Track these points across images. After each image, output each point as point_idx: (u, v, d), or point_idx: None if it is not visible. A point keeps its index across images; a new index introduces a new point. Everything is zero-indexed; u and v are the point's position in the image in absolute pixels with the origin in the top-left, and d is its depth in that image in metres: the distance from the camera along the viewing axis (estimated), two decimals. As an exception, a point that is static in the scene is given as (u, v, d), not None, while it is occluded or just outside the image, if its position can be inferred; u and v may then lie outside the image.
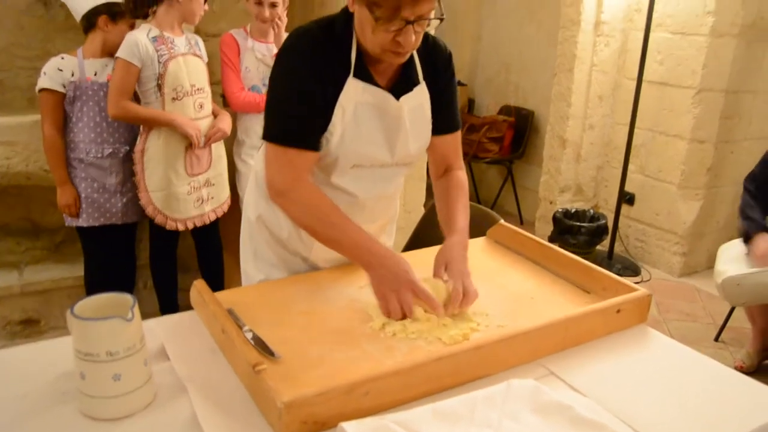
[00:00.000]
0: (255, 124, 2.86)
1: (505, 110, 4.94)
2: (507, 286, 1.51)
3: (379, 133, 1.40)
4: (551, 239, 3.89)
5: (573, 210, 4.00)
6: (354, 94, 1.35)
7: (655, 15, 3.62)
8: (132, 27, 2.47)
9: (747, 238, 2.76)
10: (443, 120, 1.51)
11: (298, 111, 1.33)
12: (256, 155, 1.69)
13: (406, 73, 1.41)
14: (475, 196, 5.23)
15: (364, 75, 1.35)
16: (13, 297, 2.84)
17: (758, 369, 2.92)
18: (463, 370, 1.14)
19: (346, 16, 1.34)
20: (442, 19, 1.25)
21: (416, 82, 1.42)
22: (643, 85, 3.74)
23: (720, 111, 3.71)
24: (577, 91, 4.07)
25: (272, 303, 1.39)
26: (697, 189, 3.85)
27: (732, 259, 2.81)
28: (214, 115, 2.70)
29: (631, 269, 3.97)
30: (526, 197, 4.89)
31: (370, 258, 1.33)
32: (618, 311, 1.34)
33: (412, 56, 1.40)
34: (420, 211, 3.17)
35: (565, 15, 4.03)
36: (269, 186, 1.39)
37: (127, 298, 1.06)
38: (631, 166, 3.96)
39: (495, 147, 4.74)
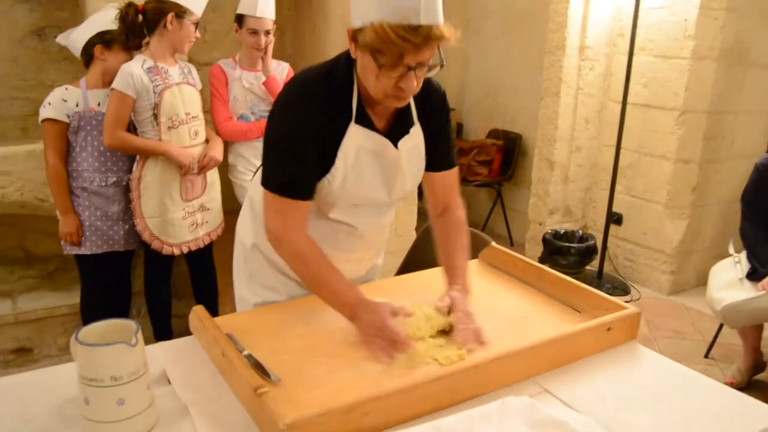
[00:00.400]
0: (244, 151, 2.93)
1: (494, 134, 5.01)
2: (500, 306, 1.55)
3: (378, 177, 1.45)
4: (541, 260, 3.93)
5: (562, 231, 4.05)
6: (355, 140, 1.39)
7: (637, 39, 3.72)
8: (129, 54, 2.51)
9: (756, 277, 2.76)
10: (440, 157, 1.54)
11: (295, 166, 1.36)
12: (250, 178, 1.71)
13: (402, 115, 1.45)
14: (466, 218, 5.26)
15: (365, 120, 1.39)
16: (7, 326, 2.83)
17: (748, 385, 2.95)
18: (460, 389, 1.16)
19: (348, 61, 1.37)
20: (442, 66, 1.30)
21: (412, 123, 1.47)
22: (628, 107, 3.82)
23: (703, 131, 3.80)
24: (563, 114, 4.15)
25: (270, 327, 1.41)
26: (683, 208, 3.92)
27: (726, 285, 2.83)
28: (207, 141, 2.73)
29: (620, 288, 4.01)
30: (516, 219, 4.94)
31: (350, 312, 1.35)
32: (608, 329, 1.38)
33: None
34: (411, 235, 3.21)
35: (550, 40, 4.13)
36: (265, 228, 1.43)
37: (131, 324, 1.08)
38: (618, 187, 4.02)
39: (484, 170, 4.80)
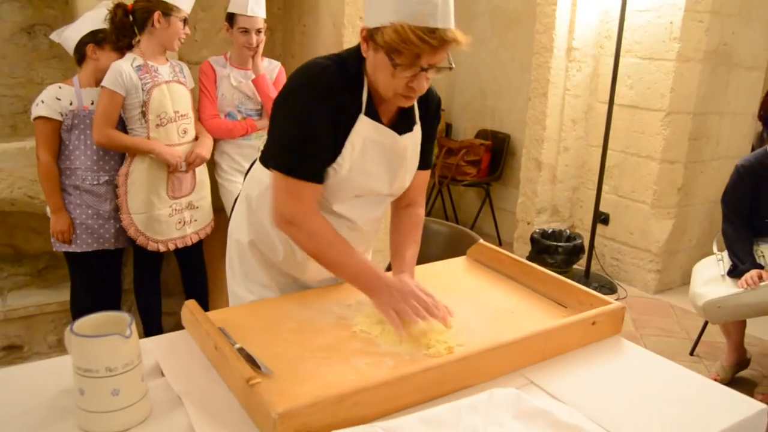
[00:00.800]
0: (229, 149, 2.94)
1: (482, 134, 5.05)
2: (488, 302, 1.58)
3: (382, 168, 1.49)
4: (529, 259, 3.97)
5: (550, 230, 4.10)
6: (364, 131, 1.42)
7: (624, 41, 3.77)
8: (121, 53, 2.52)
9: (737, 273, 2.81)
10: (423, 158, 1.60)
11: (309, 147, 1.39)
12: (243, 179, 1.73)
13: (405, 113, 1.51)
14: (455, 218, 5.31)
15: (373, 114, 1.44)
16: (-4, 323, 2.84)
17: (732, 381, 3.00)
18: (448, 380, 1.19)
19: (358, 57, 1.40)
20: (451, 68, 1.34)
21: (414, 122, 1.52)
22: (615, 108, 3.87)
23: (689, 132, 3.86)
24: (551, 114, 4.20)
25: (262, 321, 1.43)
26: (669, 208, 3.97)
27: (708, 281, 2.89)
28: (197, 139, 2.75)
29: (607, 287, 4.06)
30: (504, 219, 4.98)
31: (375, 281, 1.40)
32: (593, 323, 1.41)
33: None
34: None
35: (538, 42, 4.17)
36: (276, 214, 1.45)
37: (124, 316, 1.10)
38: (605, 187, 4.07)
39: (473, 170, 4.84)
